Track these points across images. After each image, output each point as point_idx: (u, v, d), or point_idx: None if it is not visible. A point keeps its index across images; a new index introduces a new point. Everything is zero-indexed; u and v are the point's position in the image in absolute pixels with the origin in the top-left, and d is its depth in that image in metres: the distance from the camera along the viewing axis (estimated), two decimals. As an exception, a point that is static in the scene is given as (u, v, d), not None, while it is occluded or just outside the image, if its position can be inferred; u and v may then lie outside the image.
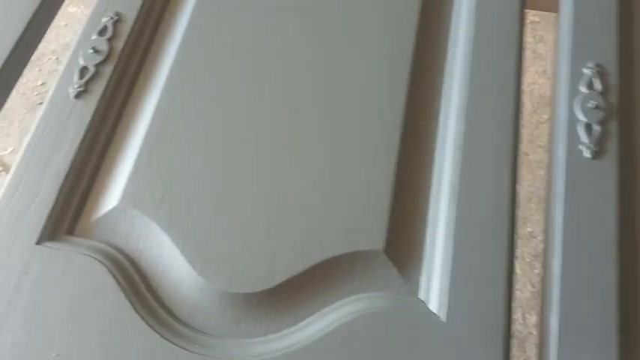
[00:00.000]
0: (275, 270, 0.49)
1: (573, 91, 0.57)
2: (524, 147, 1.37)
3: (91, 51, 0.60)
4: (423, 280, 0.50)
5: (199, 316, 0.48)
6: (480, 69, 0.59)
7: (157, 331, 0.47)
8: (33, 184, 0.53)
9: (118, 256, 0.50)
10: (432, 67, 0.61)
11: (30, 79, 1.55)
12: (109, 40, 0.61)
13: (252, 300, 0.48)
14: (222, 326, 0.48)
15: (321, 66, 0.60)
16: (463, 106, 0.57)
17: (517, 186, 0.53)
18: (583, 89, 0.57)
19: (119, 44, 0.61)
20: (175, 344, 0.46)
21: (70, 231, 0.52)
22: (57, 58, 1.59)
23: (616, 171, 0.52)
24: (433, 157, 0.56)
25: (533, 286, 1.22)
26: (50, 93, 0.58)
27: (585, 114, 0.55)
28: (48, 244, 0.50)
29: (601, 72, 0.57)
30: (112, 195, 0.54)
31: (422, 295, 0.49)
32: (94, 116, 0.57)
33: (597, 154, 0.53)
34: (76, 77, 0.58)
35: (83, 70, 0.59)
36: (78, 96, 0.57)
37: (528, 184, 1.33)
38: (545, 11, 1.51)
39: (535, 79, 1.48)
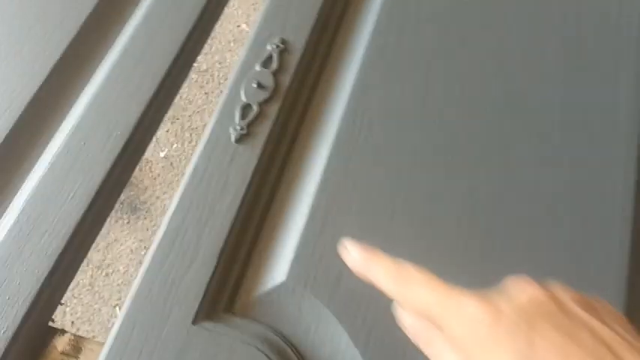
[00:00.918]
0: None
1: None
2: None
3: (254, 85, 0.51)
4: None
5: None
6: None
7: None
8: (189, 245, 0.45)
9: (286, 350, 0.42)
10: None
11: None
12: (275, 73, 0.52)
13: None
14: None
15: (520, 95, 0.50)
16: None
17: None
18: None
19: (286, 79, 0.52)
20: None
21: (229, 307, 0.44)
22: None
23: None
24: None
25: None
26: (208, 131, 0.50)
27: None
28: (206, 324, 0.43)
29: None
30: (278, 267, 0.45)
31: None
32: (257, 166, 0.49)
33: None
34: (237, 116, 0.50)
35: (245, 109, 0.51)
36: (240, 140, 0.49)
37: None
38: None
39: None
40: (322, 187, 0.48)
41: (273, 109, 0.51)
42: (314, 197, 0.47)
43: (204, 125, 1.42)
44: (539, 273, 0.31)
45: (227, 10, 1.64)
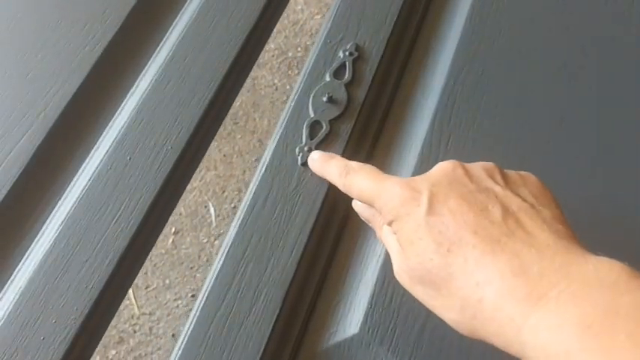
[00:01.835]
0: None
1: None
2: None
3: (324, 99, 0.45)
4: None
5: None
6: None
7: None
8: (251, 285, 0.39)
9: (362, 418, 0.36)
10: None
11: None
12: (347, 86, 0.46)
13: None
14: None
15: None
16: None
17: None
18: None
19: (360, 94, 0.46)
20: None
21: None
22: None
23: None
24: None
25: None
26: (270, 150, 0.44)
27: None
28: (267, 382, 0.37)
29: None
30: (349, 316, 0.39)
31: None
32: (328, 192, 0.42)
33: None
34: (304, 134, 0.44)
35: (314, 126, 0.44)
36: (307, 163, 0.43)
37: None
38: None
39: None
40: (401, 223, 0.41)
41: (345, 128, 0.44)
42: (392, 234, 0.41)
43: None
44: None
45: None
